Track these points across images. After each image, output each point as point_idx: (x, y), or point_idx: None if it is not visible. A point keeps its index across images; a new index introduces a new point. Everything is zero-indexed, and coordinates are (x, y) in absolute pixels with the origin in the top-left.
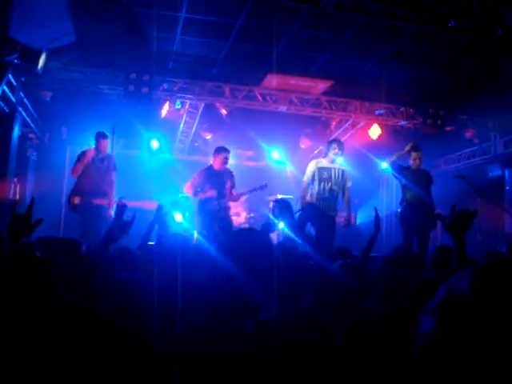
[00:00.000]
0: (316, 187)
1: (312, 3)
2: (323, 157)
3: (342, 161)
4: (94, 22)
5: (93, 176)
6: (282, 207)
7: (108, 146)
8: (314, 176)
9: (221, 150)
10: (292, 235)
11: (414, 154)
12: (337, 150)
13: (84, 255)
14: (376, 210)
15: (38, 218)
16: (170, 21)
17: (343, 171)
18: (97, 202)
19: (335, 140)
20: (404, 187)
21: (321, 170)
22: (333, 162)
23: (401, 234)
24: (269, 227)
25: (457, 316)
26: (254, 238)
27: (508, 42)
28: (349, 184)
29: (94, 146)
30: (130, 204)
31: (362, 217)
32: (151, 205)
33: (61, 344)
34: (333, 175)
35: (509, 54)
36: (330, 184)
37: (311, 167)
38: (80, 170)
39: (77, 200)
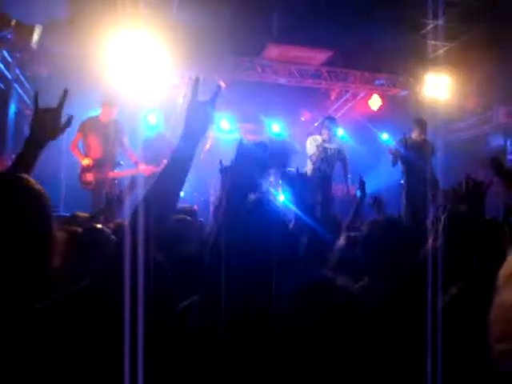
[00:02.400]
0: (311, 165)
1: None
2: (319, 134)
3: (343, 133)
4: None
5: (99, 143)
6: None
7: (113, 114)
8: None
9: None
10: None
11: (419, 129)
12: (327, 130)
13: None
14: (361, 176)
15: None
16: None
17: (336, 149)
18: (113, 174)
19: (327, 118)
20: (406, 159)
21: (318, 147)
22: (327, 140)
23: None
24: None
25: None
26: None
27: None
28: (345, 156)
29: (94, 115)
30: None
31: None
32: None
33: None
34: (328, 153)
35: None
36: (325, 162)
37: (313, 143)
38: (77, 140)
39: (89, 177)
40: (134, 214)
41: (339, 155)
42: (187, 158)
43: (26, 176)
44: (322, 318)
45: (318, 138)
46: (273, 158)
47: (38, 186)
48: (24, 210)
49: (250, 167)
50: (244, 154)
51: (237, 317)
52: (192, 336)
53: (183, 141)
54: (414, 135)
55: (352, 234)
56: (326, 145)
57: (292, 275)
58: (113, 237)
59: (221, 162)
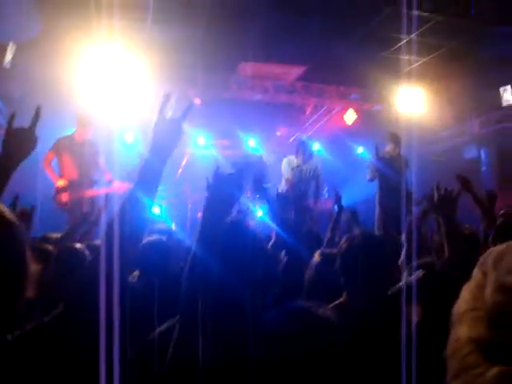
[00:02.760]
0: (285, 186)
1: None
2: (295, 155)
3: (318, 147)
4: (63, 15)
5: (74, 163)
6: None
7: (88, 133)
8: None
9: None
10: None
11: (393, 144)
12: (301, 154)
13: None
14: (336, 190)
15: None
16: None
17: (311, 169)
18: (88, 194)
19: (300, 143)
20: (381, 173)
21: (293, 169)
22: (302, 162)
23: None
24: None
25: None
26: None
27: (482, 21)
28: (318, 174)
29: (69, 134)
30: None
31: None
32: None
33: None
34: (303, 174)
35: (483, 33)
36: (300, 183)
37: (289, 165)
38: (50, 159)
39: (64, 197)
40: (108, 231)
41: (314, 173)
42: (156, 172)
43: None
44: (301, 350)
45: (294, 161)
46: (249, 174)
47: (10, 215)
48: None
49: (226, 192)
50: (221, 178)
51: (215, 347)
52: (170, 366)
53: (151, 156)
54: (389, 149)
55: (327, 250)
56: (302, 166)
57: (270, 302)
58: (89, 257)
59: (207, 179)
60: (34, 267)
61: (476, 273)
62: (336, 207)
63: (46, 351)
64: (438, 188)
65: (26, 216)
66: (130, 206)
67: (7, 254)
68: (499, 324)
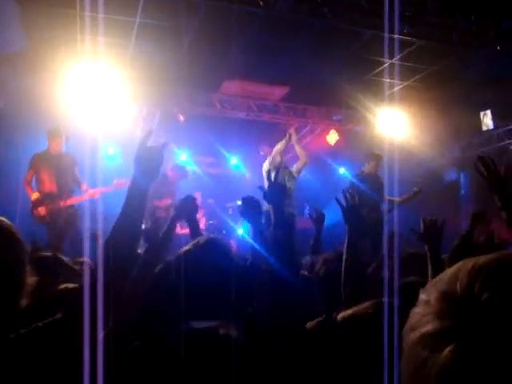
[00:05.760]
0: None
1: (265, 7)
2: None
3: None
4: (48, 32)
5: (52, 176)
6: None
7: (61, 144)
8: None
9: None
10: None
11: (374, 163)
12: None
13: None
14: (316, 207)
15: None
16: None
17: (289, 171)
18: (64, 203)
19: None
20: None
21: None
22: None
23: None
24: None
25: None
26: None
27: (463, 45)
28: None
29: (44, 149)
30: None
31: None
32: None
33: None
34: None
35: (464, 57)
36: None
37: (267, 166)
38: (30, 177)
39: (42, 210)
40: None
41: (290, 175)
42: (142, 192)
43: (4, 219)
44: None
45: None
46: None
47: (15, 229)
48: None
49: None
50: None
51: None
52: None
53: (136, 179)
54: (369, 169)
55: (306, 273)
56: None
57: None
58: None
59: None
60: (31, 279)
61: None
62: (316, 227)
63: (37, 354)
64: (423, 220)
65: None
66: (125, 219)
67: (7, 263)
68: None
